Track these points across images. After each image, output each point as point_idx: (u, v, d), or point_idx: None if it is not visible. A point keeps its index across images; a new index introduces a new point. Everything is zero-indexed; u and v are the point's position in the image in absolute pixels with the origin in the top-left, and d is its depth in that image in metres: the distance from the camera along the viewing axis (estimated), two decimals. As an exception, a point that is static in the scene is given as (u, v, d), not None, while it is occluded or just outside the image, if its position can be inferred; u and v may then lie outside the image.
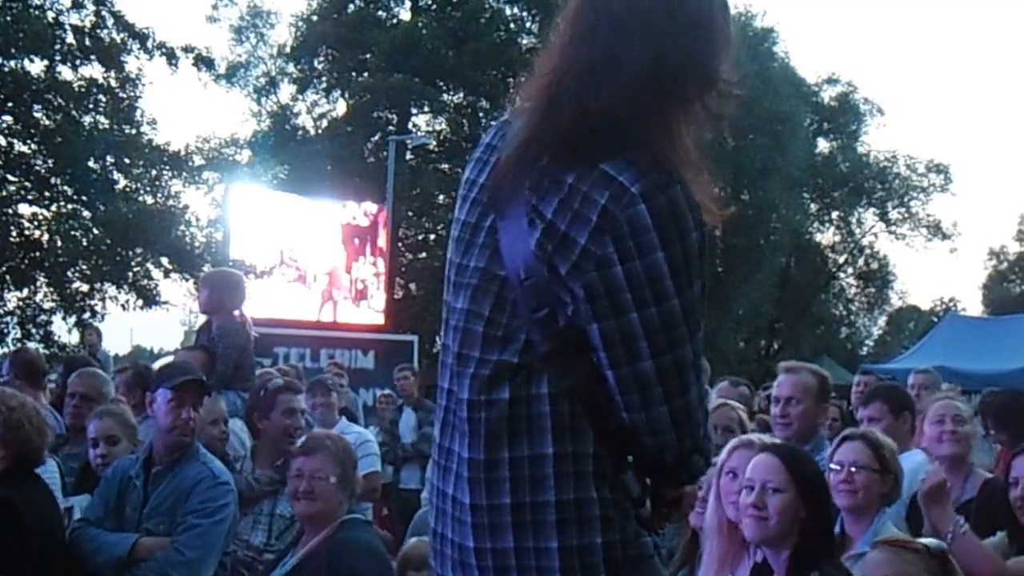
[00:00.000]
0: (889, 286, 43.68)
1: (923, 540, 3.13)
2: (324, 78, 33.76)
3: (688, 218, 1.85)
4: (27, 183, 19.56)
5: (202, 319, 7.11)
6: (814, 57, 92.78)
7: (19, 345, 17.00)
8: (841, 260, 43.17)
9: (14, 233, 19.56)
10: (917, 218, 41.41)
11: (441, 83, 32.22)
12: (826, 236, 43.44)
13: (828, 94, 41.56)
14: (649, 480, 2.00)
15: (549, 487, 1.90)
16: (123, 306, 19.93)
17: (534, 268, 1.88)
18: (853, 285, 44.15)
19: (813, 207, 42.04)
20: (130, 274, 19.68)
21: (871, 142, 42.85)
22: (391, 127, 31.32)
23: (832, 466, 3.78)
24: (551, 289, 1.87)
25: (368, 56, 31.16)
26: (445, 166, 33.40)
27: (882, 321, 46.17)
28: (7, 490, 3.88)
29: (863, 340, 45.33)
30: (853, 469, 3.70)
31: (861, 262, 43.22)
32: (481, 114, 33.65)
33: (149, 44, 19.88)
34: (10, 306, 19.68)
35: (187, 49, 20.46)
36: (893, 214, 41.65)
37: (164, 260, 19.53)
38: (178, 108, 78.65)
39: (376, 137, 31.29)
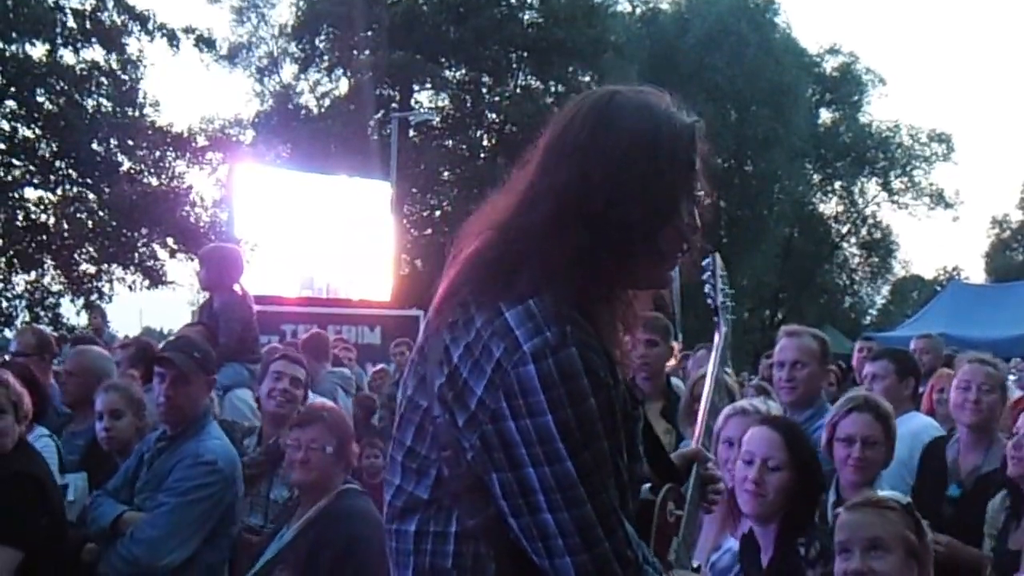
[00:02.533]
0: (892, 255, 43.79)
1: (888, 494, 3.02)
2: (326, 57, 33.76)
3: (582, 382, 1.77)
4: (32, 167, 19.56)
5: (205, 297, 7.25)
6: (815, 27, 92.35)
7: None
8: (844, 230, 43.23)
9: (20, 217, 19.58)
10: (920, 187, 41.50)
11: (443, 59, 32.19)
12: (829, 206, 43.60)
13: (830, 64, 41.56)
14: None
15: None
16: (130, 287, 20.00)
17: (440, 409, 1.86)
18: (856, 255, 44.25)
19: (816, 177, 42.10)
20: (136, 255, 19.71)
21: (873, 112, 42.81)
22: (394, 104, 31.33)
23: (840, 437, 3.75)
24: (452, 433, 1.84)
25: (369, 33, 31.13)
26: (448, 142, 33.43)
27: (885, 290, 46.27)
28: (26, 463, 3.96)
29: (866, 309, 45.41)
30: (869, 451, 3.70)
31: (864, 232, 43.26)
32: (484, 89, 33.64)
33: (150, 26, 19.83)
34: (18, 289, 19.71)
35: (188, 30, 20.43)
36: (896, 184, 41.70)
37: (169, 240, 19.54)
38: (181, 90, 78.60)
39: (379, 115, 31.31)
